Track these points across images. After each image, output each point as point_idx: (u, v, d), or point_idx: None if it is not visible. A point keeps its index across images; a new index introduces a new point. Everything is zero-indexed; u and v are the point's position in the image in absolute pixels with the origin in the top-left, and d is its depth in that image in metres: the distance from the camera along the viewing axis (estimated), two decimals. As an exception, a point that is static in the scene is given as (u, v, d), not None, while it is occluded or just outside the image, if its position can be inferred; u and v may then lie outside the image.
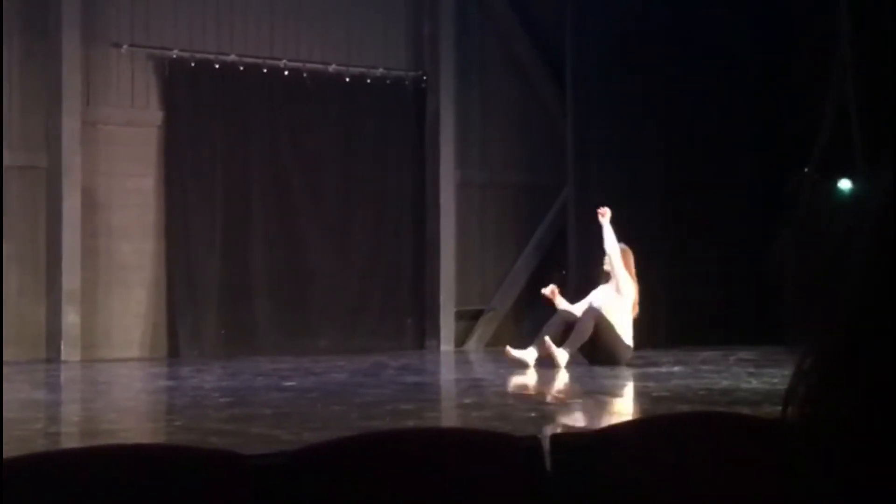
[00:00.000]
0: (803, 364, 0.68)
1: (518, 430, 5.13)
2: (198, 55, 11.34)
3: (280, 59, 11.68)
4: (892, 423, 0.63)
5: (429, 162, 12.33)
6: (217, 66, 11.40)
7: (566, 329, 9.67)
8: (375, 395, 7.51)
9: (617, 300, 9.82)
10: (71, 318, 10.62)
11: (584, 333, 9.60)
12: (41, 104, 10.74)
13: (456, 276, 12.36)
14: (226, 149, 11.32)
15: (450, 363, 11.23)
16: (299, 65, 11.76)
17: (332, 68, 11.91)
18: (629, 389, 8.44)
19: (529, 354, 9.58)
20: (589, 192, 12.09)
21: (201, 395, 7.62)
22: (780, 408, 0.70)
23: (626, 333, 9.81)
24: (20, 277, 10.60)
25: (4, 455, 2.29)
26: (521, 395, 8.24)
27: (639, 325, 10.00)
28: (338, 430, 5.47)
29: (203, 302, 11.17)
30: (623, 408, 7.50)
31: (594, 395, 8.02)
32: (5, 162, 10.43)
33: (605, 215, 9.93)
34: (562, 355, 9.45)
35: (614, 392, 8.28)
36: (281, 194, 11.58)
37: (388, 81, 12.21)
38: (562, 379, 8.93)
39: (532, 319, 10.35)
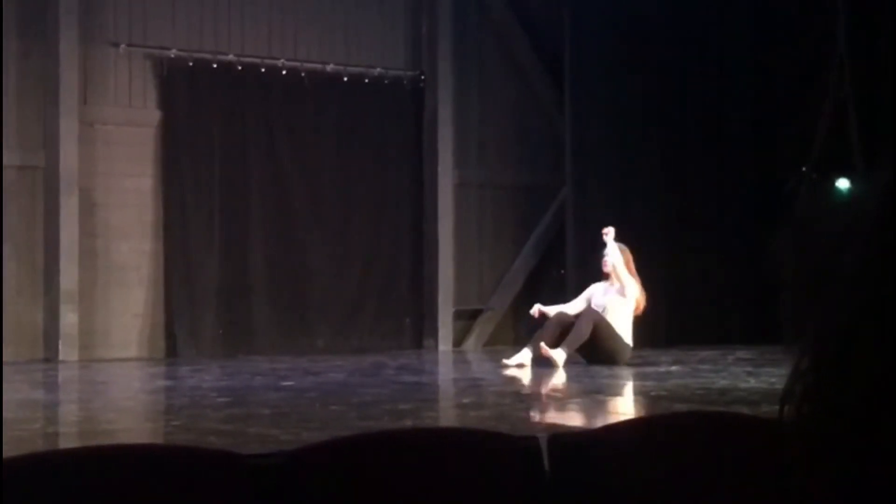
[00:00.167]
0: (800, 364, 0.68)
1: (516, 429, 5.13)
2: (196, 55, 11.34)
3: (278, 59, 11.68)
4: (889, 423, 0.63)
5: (427, 161, 12.33)
6: (215, 65, 11.40)
7: (563, 331, 9.68)
8: (374, 394, 7.51)
9: (618, 300, 9.83)
10: (69, 317, 10.61)
11: (581, 335, 9.60)
12: (39, 104, 10.74)
13: (454, 275, 12.36)
14: (224, 148, 11.32)
15: (448, 363, 11.23)
16: (297, 64, 11.76)
17: (330, 68, 11.91)
18: (627, 389, 8.44)
19: (525, 356, 9.58)
20: (587, 192, 12.11)
21: (199, 394, 7.62)
22: (777, 407, 0.70)
23: (626, 333, 9.82)
24: (18, 277, 10.59)
25: (3, 455, 2.29)
26: (519, 394, 8.24)
27: (638, 324, 10.00)
28: (336, 429, 5.47)
29: (201, 302, 11.17)
30: (621, 407, 7.50)
31: (592, 394, 8.02)
32: (3, 162, 10.42)
33: (608, 234, 9.97)
34: (559, 355, 9.45)
35: (612, 391, 8.28)
36: (279, 194, 11.58)
37: (386, 81, 12.21)
38: (560, 378, 8.93)
39: (530, 319, 10.34)
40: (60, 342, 10.58)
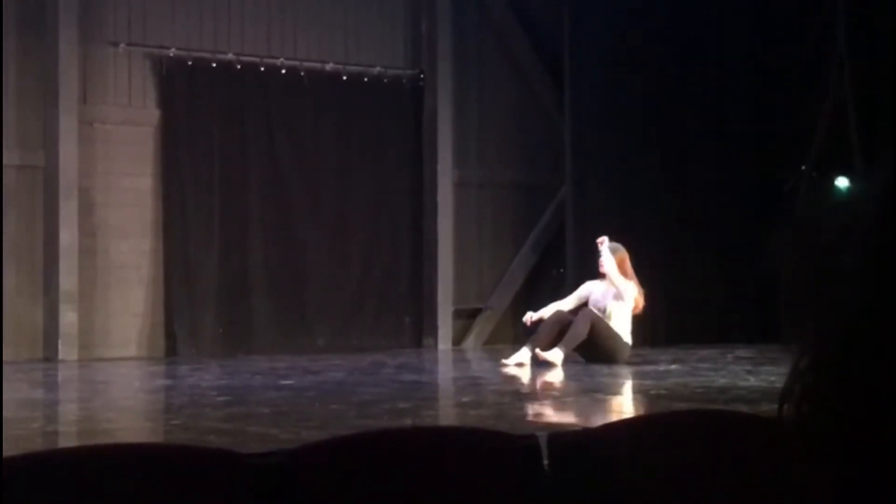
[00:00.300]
0: (799, 363, 0.68)
1: (516, 428, 5.13)
2: (195, 54, 11.33)
3: (277, 58, 11.67)
4: (888, 423, 0.63)
5: (426, 161, 12.33)
6: (214, 64, 11.40)
7: (561, 330, 9.68)
8: (373, 393, 7.51)
9: (617, 303, 9.84)
10: (68, 317, 10.61)
11: (578, 336, 9.61)
12: (38, 103, 10.74)
13: (453, 274, 12.36)
14: (223, 147, 11.32)
15: (447, 362, 11.23)
16: (296, 63, 11.75)
17: (329, 67, 11.91)
18: (627, 388, 8.45)
19: (524, 355, 9.59)
20: (586, 192, 12.11)
21: (199, 394, 7.62)
22: (777, 406, 0.70)
23: (624, 332, 9.82)
24: (18, 276, 10.59)
25: (3, 454, 2.29)
26: (519, 393, 8.24)
27: (637, 322, 10.00)
28: (336, 428, 5.47)
29: (201, 301, 11.17)
30: (621, 406, 7.50)
31: (592, 393, 8.02)
32: (3, 161, 10.42)
33: (602, 243, 9.97)
34: (556, 355, 9.46)
35: (612, 390, 8.28)
36: (278, 193, 11.58)
37: (385, 80, 12.21)
38: (559, 377, 8.93)
39: (526, 323, 10.35)
40: (60, 341, 10.58)
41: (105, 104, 11.05)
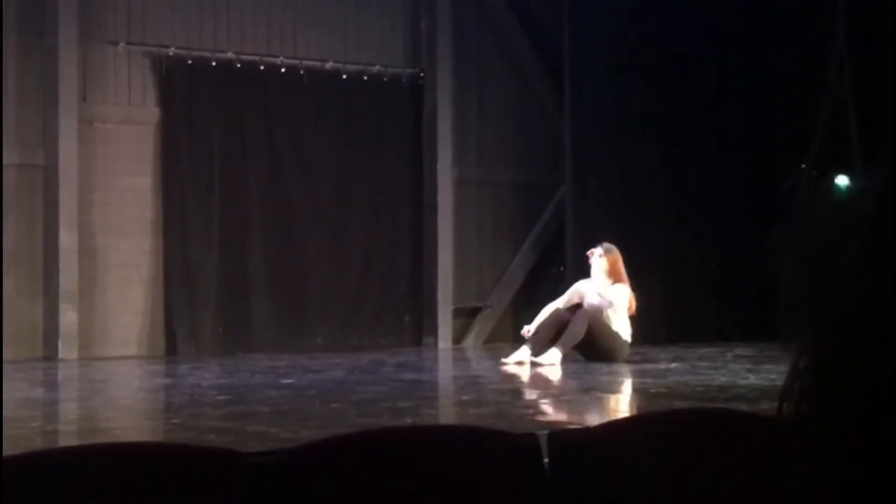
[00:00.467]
0: (799, 362, 0.68)
1: (515, 427, 5.13)
2: (195, 52, 11.33)
3: (277, 57, 11.67)
4: (887, 423, 0.63)
5: (426, 159, 12.33)
6: (214, 63, 11.39)
7: (559, 329, 9.68)
8: (373, 392, 7.51)
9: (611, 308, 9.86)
10: (68, 316, 10.61)
11: (576, 336, 9.61)
12: (38, 102, 10.73)
13: (453, 273, 12.36)
14: (223, 146, 11.32)
15: (447, 360, 11.23)
16: (296, 62, 11.75)
17: (329, 65, 11.91)
18: (626, 386, 8.45)
19: (523, 353, 9.59)
20: (586, 191, 12.11)
21: (199, 393, 7.62)
22: (777, 405, 0.70)
23: (623, 330, 9.82)
24: (17, 276, 10.59)
25: (3, 453, 2.29)
26: (519, 392, 8.24)
27: (636, 322, 10.00)
28: (336, 427, 5.47)
29: (200, 300, 11.17)
30: (620, 404, 7.50)
31: (591, 391, 8.02)
32: (2, 160, 10.42)
33: (593, 255, 9.98)
34: (554, 355, 9.46)
35: (612, 389, 8.28)
36: (278, 192, 11.58)
37: (385, 79, 12.21)
38: (559, 376, 8.93)
39: (529, 317, 10.34)
40: (60, 341, 10.58)
41: (105, 103, 11.05)
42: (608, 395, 7.96)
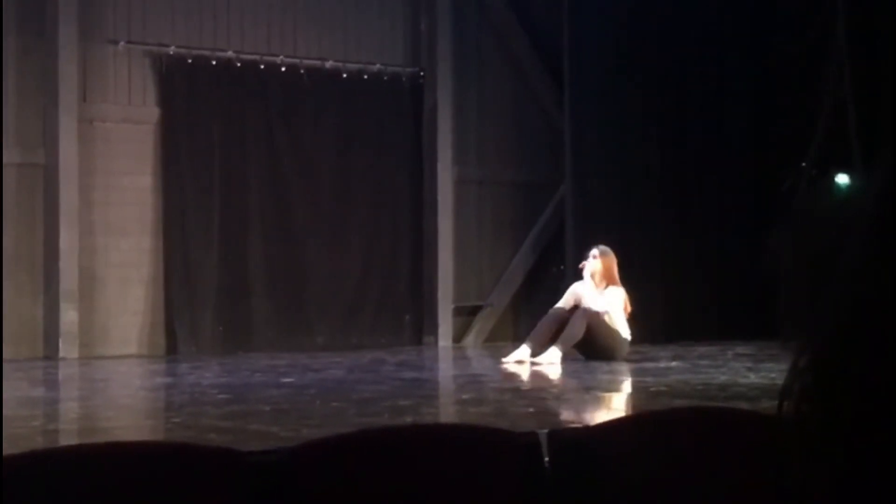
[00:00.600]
0: (799, 362, 0.68)
1: (516, 425, 5.13)
2: (195, 52, 11.33)
3: (277, 56, 11.67)
4: (887, 422, 0.63)
5: (426, 158, 12.33)
6: (214, 62, 11.39)
7: (559, 328, 9.68)
8: (373, 391, 7.51)
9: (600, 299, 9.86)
10: (69, 315, 10.61)
11: (575, 335, 9.61)
12: (38, 101, 10.74)
13: (453, 272, 12.37)
14: (223, 145, 11.32)
15: (448, 359, 11.23)
16: (296, 61, 11.75)
17: (329, 64, 11.91)
18: (627, 385, 8.45)
19: (523, 352, 9.59)
20: (586, 190, 12.11)
21: (199, 392, 7.62)
22: (777, 404, 0.70)
23: (622, 328, 9.82)
24: (18, 275, 10.59)
25: (3, 453, 2.29)
26: (519, 390, 8.24)
27: (633, 322, 10.00)
28: (336, 426, 5.47)
29: (201, 299, 11.17)
30: (621, 403, 7.50)
31: (592, 390, 8.02)
32: (3, 159, 10.42)
33: (584, 269, 9.98)
34: (553, 354, 9.46)
35: (612, 387, 8.28)
36: (278, 190, 11.58)
37: (385, 77, 12.21)
38: (559, 374, 8.94)
39: (529, 315, 10.36)
40: (60, 340, 10.58)
41: (105, 102, 11.05)
42: (608, 393, 7.96)
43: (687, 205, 12.22)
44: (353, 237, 11.92)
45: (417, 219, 12.31)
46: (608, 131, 12.06)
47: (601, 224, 11.61)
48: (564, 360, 9.49)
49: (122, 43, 11.08)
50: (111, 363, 10.30)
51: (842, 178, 11.23)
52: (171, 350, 11.03)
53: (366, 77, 12.08)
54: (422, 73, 12.37)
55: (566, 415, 6.84)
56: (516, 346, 9.82)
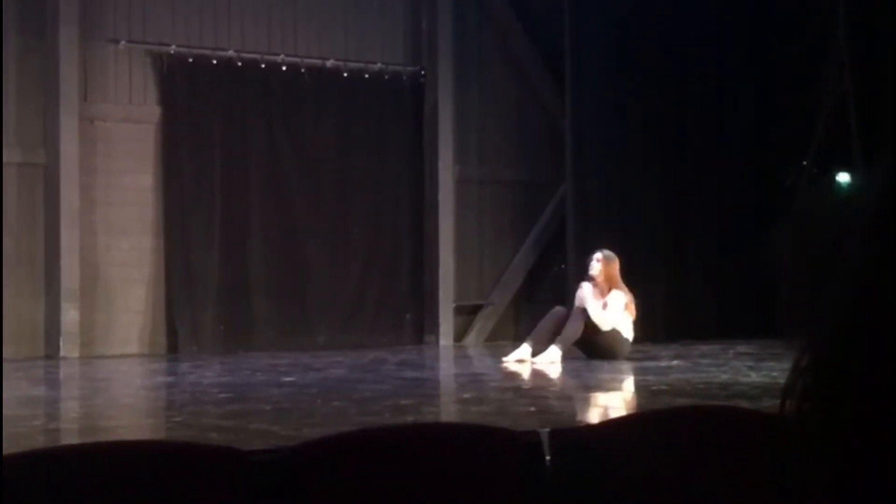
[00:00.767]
0: (800, 362, 0.68)
1: (517, 424, 5.13)
2: (195, 51, 11.33)
3: (278, 55, 11.67)
4: (887, 422, 0.63)
5: (427, 158, 12.33)
6: (215, 61, 11.39)
7: (559, 328, 9.68)
8: (375, 390, 7.51)
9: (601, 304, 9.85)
10: (70, 314, 10.62)
11: (573, 334, 9.61)
12: (39, 101, 10.74)
13: (454, 271, 12.37)
14: (224, 144, 11.32)
15: (449, 358, 11.23)
16: (297, 60, 11.75)
17: (329, 63, 11.91)
18: (628, 384, 8.44)
19: (524, 351, 9.59)
20: (586, 189, 12.11)
21: (200, 391, 7.62)
22: (779, 402, 0.70)
23: (624, 328, 9.81)
24: (19, 274, 10.59)
25: (4, 452, 2.29)
26: (520, 389, 8.24)
27: (638, 319, 10.00)
28: (337, 425, 5.47)
29: (202, 298, 11.17)
30: (622, 402, 7.50)
31: (593, 389, 8.02)
32: (3, 159, 10.42)
33: (592, 260, 9.97)
34: (553, 353, 9.46)
35: (613, 386, 8.28)
36: (279, 190, 11.58)
37: (386, 77, 12.21)
38: (561, 373, 8.93)
39: (530, 315, 10.36)
40: (61, 339, 10.58)
41: (106, 102, 11.05)
42: (609, 392, 7.96)
43: (688, 203, 12.22)
44: (354, 236, 11.92)
45: (418, 218, 12.30)
46: (609, 131, 12.06)
47: (602, 223, 11.62)
48: (565, 358, 9.49)
49: (122, 42, 11.09)
50: (112, 362, 10.30)
51: (842, 177, 11.23)
52: (172, 349, 11.03)
53: (367, 76, 12.08)
54: (423, 73, 12.37)
55: (567, 414, 6.84)
56: (517, 346, 9.82)
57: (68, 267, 10.62)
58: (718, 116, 12.41)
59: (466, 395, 7.51)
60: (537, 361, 9.42)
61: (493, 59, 12.72)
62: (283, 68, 11.67)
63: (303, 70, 11.76)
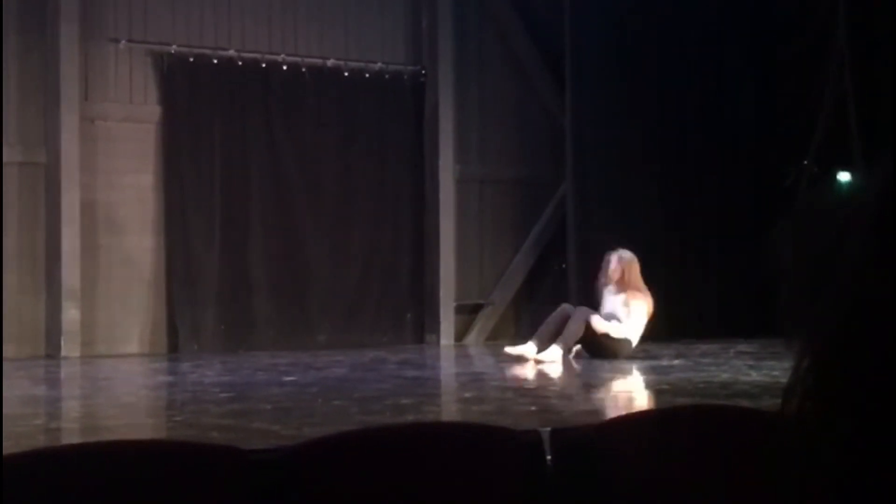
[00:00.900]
0: (801, 362, 0.68)
1: (518, 423, 5.13)
2: (196, 50, 11.33)
3: (278, 54, 11.67)
4: (887, 422, 0.63)
5: (427, 157, 12.33)
6: (215, 61, 11.39)
7: (562, 327, 9.68)
8: (375, 389, 7.51)
9: (622, 310, 9.81)
10: (71, 314, 10.62)
11: (574, 333, 9.60)
12: (39, 100, 10.74)
13: (455, 270, 12.37)
14: (224, 144, 11.32)
15: (449, 357, 11.23)
16: (297, 59, 11.75)
17: (330, 63, 11.91)
18: (629, 383, 8.45)
19: (528, 349, 9.59)
20: (587, 188, 12.11)
21: (201, 390, 7.62)
22: (780, 401, 0.71)
23: (629, 331, 9.77)
24: (19, 274, 10.60)
25: (4, 451, 2.29)
26: (521, 388, 8.24)
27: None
28: (338, 424, 5.48)
29: (202, 297, 11.17)
30: (623, 401, 7.50)
31: (594, 388, 8.02)
32: (4, 158, 10.43)
33: (607, 262, 9.94)
34: (554, 352, 9.46)
35: (614, 386, 8.28)
36: (279, 189, 11.58)
37: (386, 76, 12.21)
38: (562, 372, 8.93)
39: (531, 314, 10.36)
40: (62, 338, 10.58)
41: (106, 101, 11.05)
42: (610, 391, 7.96)
43: (688, 202, 12.22)
44: (355, 235, 11.91)
45: (419, 217, 12.31)
46: (609, 129, 12.06)
47: (602, 222, 11.62)
48: (566, 358, 9.49)
49: (123, 41, 11.09)
50: (113, 362, 10.30)
51: (843, 176, 11.23)
52: (173, 348, 11.03)
53: (367, 75, 12.08)
54: (423, 72, 12.37)
55: (568, 413, 6.84)
56: (518, 345, 9.81)
57: (69, 266, 10.63)
58: (718, 116, 12.41)
59: (467, 395, 7.51)
60: (540, 359, 9.42)
61: (493, 58, 12.72)
62: (284, 68, 11.67)
63: (303, 69, 11.76)
